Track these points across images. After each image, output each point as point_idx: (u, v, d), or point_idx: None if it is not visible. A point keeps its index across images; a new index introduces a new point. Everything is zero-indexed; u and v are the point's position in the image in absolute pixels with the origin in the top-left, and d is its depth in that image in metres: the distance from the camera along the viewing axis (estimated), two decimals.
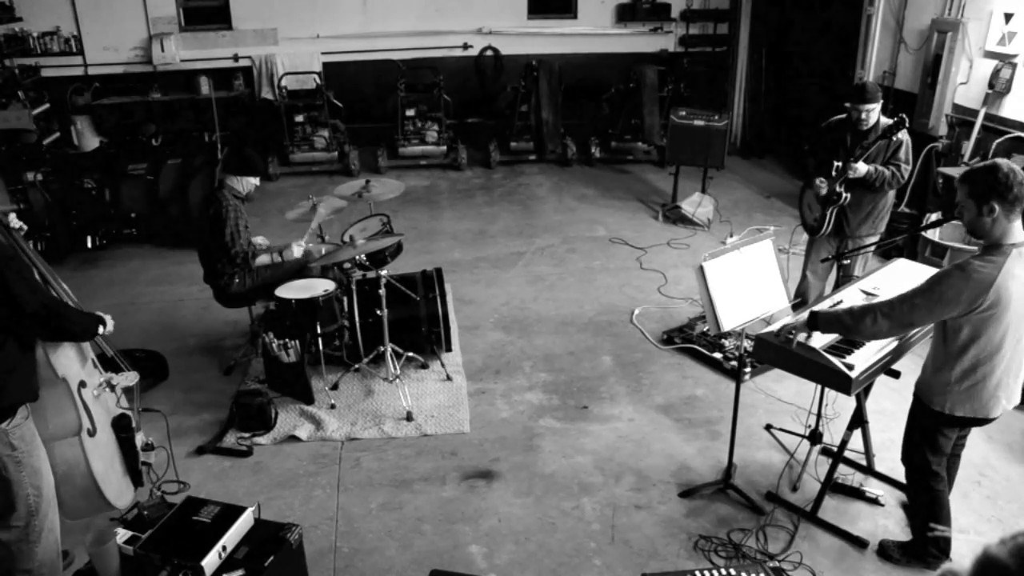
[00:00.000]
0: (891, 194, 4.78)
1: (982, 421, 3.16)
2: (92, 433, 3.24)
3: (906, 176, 4.61)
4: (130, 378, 3.54)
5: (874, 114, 4.56)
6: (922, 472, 3.31)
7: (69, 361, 3.16)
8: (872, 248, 4.69)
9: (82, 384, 3.22)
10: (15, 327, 2.79)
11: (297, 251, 5.03)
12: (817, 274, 5.08)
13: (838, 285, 4.91)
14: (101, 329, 3.17)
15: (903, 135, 4.54)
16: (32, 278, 2.84)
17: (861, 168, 4.49)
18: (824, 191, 4.71)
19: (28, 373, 2.93)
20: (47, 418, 3.09)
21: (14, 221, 3.11)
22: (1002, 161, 2.89)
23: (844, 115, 4.69)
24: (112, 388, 3.45)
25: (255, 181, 4.96)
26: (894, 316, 2.99)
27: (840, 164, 4.57)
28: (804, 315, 3.36)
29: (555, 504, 3.85)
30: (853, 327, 3.13)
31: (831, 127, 4.82)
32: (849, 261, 4.87)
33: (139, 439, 3.62)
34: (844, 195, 4.63)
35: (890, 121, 4.48)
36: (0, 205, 6.46)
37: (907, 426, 3.37)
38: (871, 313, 3.05)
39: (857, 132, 4.61)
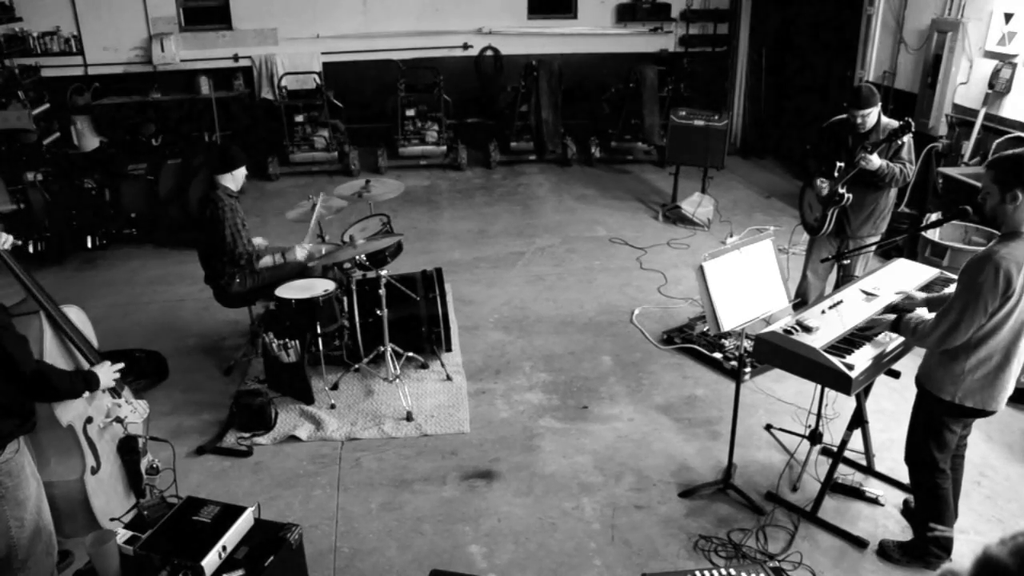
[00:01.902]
0: (892, 194, 4.77)
1: (987, 413, 3.16)
2: (95, 470, 3.21)
3: (911, 175, 4.62)
4: (140, 413, 3.45)
5: (871, 117, 4.56)
6: (927, 469, 3.30)
7: (73, 403, 3.11)
8: (872, 248, 4.69)
9: (88, 420, 3.19)
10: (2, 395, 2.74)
11: (300, 254, 5.02)
12: (817, 274, 5.08)
13: (838, 285, 4.91)
14: (87, 394, 3.04)
15: (907, 136, 4.54)
16: (19, 349, 2.73)
17: (875, 161, 4.46)
18: (825, 192, 4.71)
19: (25, 410, 2.85)
20: (50, 460, 3.06)
21: (3, 237, 2.97)
22: None
23: (845, 115, 4.70)
24: (120, 421, 3.38)
25: (243, 172, 4.94)
26: (944, 329, 2.99)
27: (842, 164, 4.57)
28: (890, 316, 3.42)
29: (555, 504, 3.85)
30: (918, 343, 3.23)
31: (833, 127, 4.82)
32: (849, 261, 4.87)
33: (145, 462, 3.58)
34: (846, 195, 4.63)
35: (894, 123, 4.48)
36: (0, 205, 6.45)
37: (911, 422, 3.36)
38: (929, 334, 3.06)
39: (858, 132, 4.62)
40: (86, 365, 3.15)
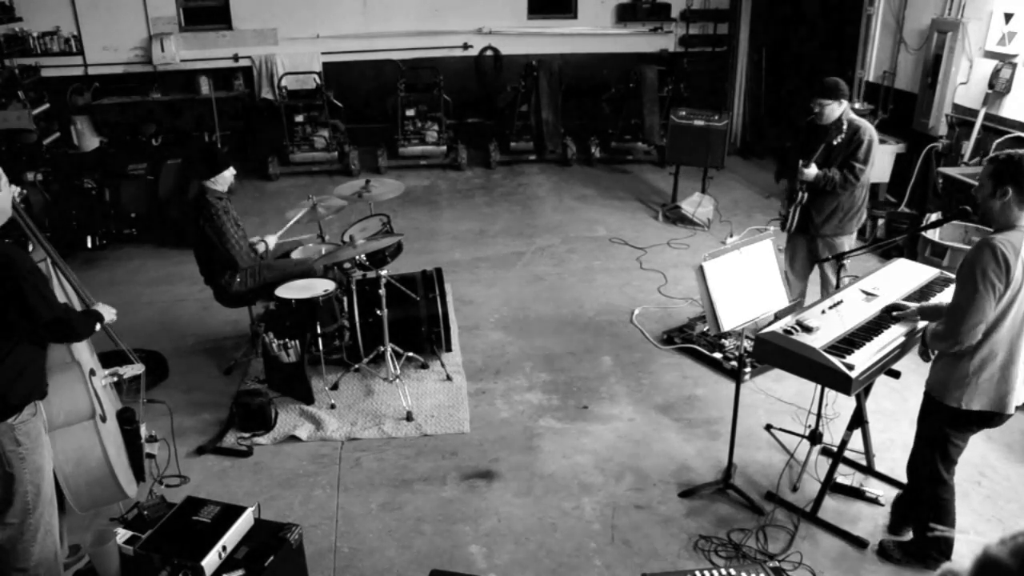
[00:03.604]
0: (859, 194, 4.76)
1: (997, 418, 3.14)
2: (104, 419, 3.27)
3: (861, 177, 4.61)
4: (136, 369, 3.59)
5: (830, 109, 4.58)
6: (930, 481, 3.29)
7: (81, 346, 3.21)
8: (861, 251, 4.65)
9: (92, 372, 3.26)
10: (28, 334, 2.85)
11: (269, 241, 5.03)
12: (796, 272, 5.09)
13: (829, 286, 4.94)
14: (98, 327, 3.19)
15: (867, 135, 4.57)
16: (48, 290, 2.89)
17: (808, 173, 4.58)
18: (785, 188, 4.88)
19: (38, 371, 2.96)
20: (58, 404, 3.10)
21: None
22: None
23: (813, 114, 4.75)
24: (120, 377, 3.51)
25: (231, 173, 4.89)
26: (957, 323, 2.97)
27: (802, 163, 4.61)
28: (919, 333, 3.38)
29: (555, 504, 3.85)
30: (940, 346, 3.13)
31: (807, 125, 4.87)
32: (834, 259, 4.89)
33: (142, 432, 3.63)
34: (802, 195, 4.71)
35: (860, 121, 4.59)
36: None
37: (917, 433, 3.35)
38: (943, 336, 3.03)
39: (824, 129, 4.65)
40: (80, 307, 3.28)
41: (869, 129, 4.61)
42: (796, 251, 5.02)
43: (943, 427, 3.20)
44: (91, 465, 3.21)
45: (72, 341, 3.10)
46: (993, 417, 3.14)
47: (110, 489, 3.30)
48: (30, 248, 3.26)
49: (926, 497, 3.35)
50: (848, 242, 4.86)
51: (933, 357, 3.24)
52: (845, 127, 4.56)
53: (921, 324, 3.46)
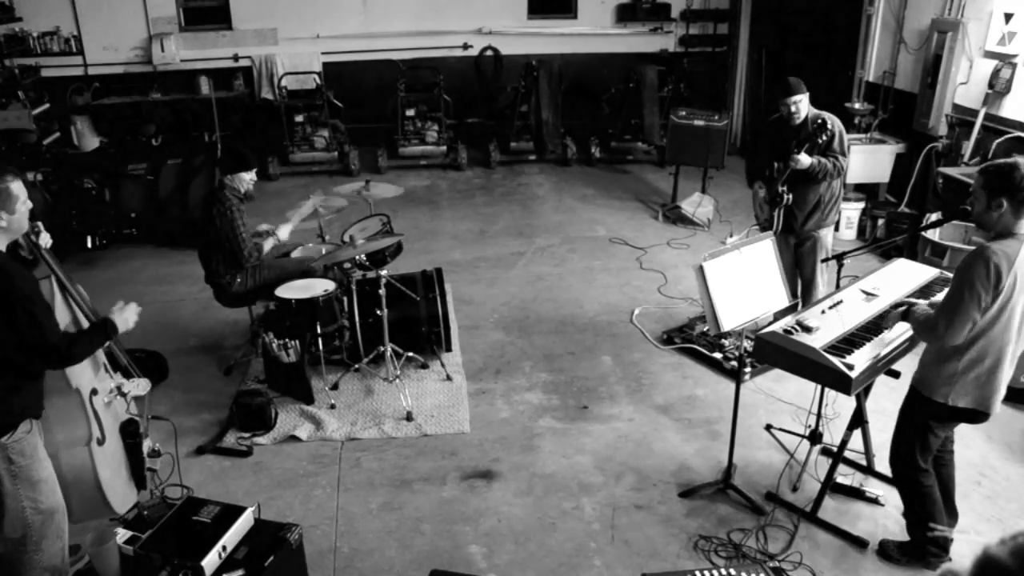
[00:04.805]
0: (836, 186, 4.82)
1: (980, 416, 3.16)
2: (101, 442, 3.24)
3: (846, 166, 4.70)
4: (142, 386, 3.52)
5: (803, 104, 4.66)
6: (910, 469, 3.32)
7: (82, 369, 3.15)
8: (860, 251, 4.66)
9: (94, 392, 3.22)
10: (22, 360, 2.78)
11: (283, 232, 5.05)
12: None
13: (811, 286, 4.95)
14: (105, 344, 3.13)
15: (836, 127, 4.63)
16: (48, 318, 2.81)
17: (804, 160, 4.57)
18: (762, 194, 4.87)
19: (34, 390, 2.91)
20: (56, 429, 3.08)
21: (44, 237, 3.10)
22: (1023, 161, 2.92)
23: (778, 113, 4.78)
24: (123, 395, 3.44)
25: (252, 175, 4.94)
26: (943, 324, 3.00)
27: (779, 165, 4.62)
28: (900, 309, 3.39)
29: (555, 504, 3.85)
30: (923, 335, 3.21)
31: (771, 125, 4.88)
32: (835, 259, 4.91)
33: (146, 445, 3.61)
34: (786, 196, 4.74)
35: (823, 114, 4.63)
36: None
37: (898, 423, 3.38)
38: (929, 327, 3.08)
39: (792, 127, 4.69)
40: (86, 324, 3.20)
41: (837, 120, 4.71)
42: (781, 252, 5.04)
43: (927, 419, 3.23)
44: (83, 487, 3.20)
45: (69, 366, 3.00)
46: (978, 415, 3.17)
47: (100, 510, 3.28)
48: (30, 255, 3.22)
49: (907, 486, 3.38)
50: (831, 234, 4.95)
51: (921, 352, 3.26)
52: (829, 124, 4.58)
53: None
